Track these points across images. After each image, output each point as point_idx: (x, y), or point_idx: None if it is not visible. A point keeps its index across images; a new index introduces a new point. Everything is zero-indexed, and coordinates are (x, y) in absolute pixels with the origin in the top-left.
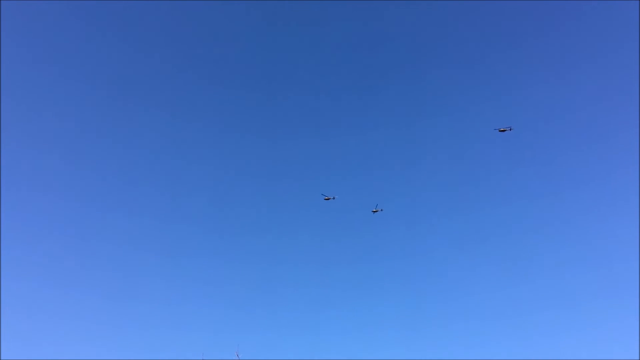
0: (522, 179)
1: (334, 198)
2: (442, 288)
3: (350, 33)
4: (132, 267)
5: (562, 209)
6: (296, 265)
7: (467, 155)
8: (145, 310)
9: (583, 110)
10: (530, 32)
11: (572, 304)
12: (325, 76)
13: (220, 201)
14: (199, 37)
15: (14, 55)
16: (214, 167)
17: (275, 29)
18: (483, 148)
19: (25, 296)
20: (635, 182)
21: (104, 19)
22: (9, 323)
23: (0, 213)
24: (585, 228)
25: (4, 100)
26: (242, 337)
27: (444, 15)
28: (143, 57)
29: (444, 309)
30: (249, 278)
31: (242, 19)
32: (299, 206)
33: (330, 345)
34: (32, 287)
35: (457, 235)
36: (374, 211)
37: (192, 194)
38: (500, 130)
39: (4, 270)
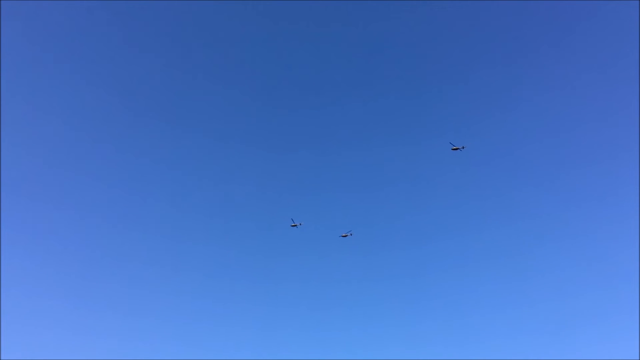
0: (520, 183)
1: (300, 224)
2: (443, 289)
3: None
4: (134, 275)
5: (563, 210)
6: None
7: (468, 164)
8: (147, 314)
9: (583, 111)
10: (532, 32)
11: (572, 305)
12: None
13: (223, 211)
14: (200, 39)
15: (14, 56)
16: (217, 175)
17: (274, 35)
18: (484, 154)
19: (27, 297)
20: (635, 184)
21: (106, 22)
22: (9, 323)
23: (1, 217)
24: (586, 230)
25: (4, 100)
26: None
27: (444, 21)
28: (143, 60)
29: (444, 311)
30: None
31: (243, 22)
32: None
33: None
34: (33, 289)
35: (459, 238)
36: (344, 235)
37: (193, 204)
38: (453, 149)
39: (4, 271)
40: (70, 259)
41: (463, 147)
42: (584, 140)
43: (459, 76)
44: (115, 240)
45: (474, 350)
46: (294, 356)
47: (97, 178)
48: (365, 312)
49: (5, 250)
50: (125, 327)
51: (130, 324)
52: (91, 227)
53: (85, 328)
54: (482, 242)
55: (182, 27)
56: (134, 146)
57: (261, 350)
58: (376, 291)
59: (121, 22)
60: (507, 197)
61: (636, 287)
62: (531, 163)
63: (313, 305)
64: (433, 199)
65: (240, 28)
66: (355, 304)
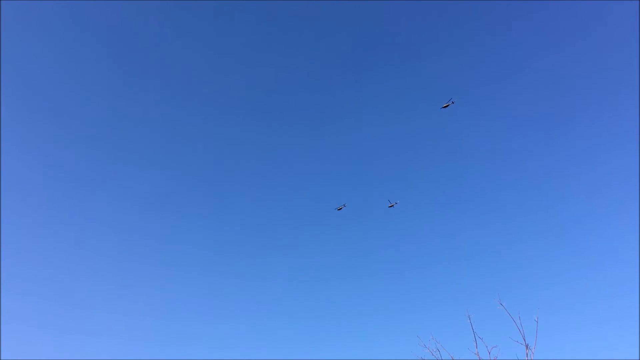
0: (523, 182)
1: (344, 206)
2: (443, 289)
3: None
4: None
5: (562, 210)
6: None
7: (466, 151)
8: (146, 308)
9: (582, 111)
10: (530, 31)
11: (572, 305)
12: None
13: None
14: (199, 34)
15: (14, 55)
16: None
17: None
18: (483, 143)
19: (27, 297)
20: (635, 185)
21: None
22: (9, 323)
23: (1, 218)
24: (586, 229)
25: (4, 100)
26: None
27: (441, 14)
28: (144, 56)
29: (444, 309)
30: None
31: (240, 17)
32: (299, 203)
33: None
34: (33, 289)
35: (459, 236)
36: (390, 205)
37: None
38: (444, 107)
39: (4, 269)
40: (70, 259)
41: (453, 102)
42: (584, 140)
43: (459, 73)
44: (113, 236)
45: (472, 348)
46: (294, 355)
47: (87, 176)
48: (364, 309)
49: (5, 251)
50: (125, 326)
51: (130, 323)
52: (88, 225)
53: (85, 328)
54: (480, 242)
55: (181, 22)
56: (132, 149)
57: (261, 348)
58: (372, 288)
59: (120, 21)
60: (506, 193)
61: (636, 287)
62: (531, 161)
63: (313, 303)
64: (430, 195)
65: (241, 26)
66: (353, 300)
